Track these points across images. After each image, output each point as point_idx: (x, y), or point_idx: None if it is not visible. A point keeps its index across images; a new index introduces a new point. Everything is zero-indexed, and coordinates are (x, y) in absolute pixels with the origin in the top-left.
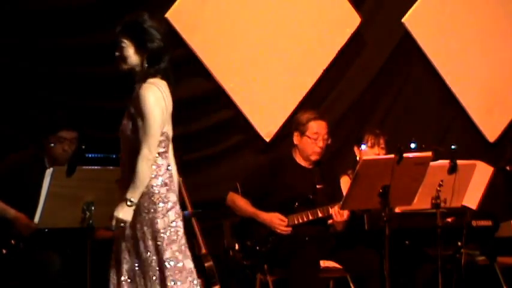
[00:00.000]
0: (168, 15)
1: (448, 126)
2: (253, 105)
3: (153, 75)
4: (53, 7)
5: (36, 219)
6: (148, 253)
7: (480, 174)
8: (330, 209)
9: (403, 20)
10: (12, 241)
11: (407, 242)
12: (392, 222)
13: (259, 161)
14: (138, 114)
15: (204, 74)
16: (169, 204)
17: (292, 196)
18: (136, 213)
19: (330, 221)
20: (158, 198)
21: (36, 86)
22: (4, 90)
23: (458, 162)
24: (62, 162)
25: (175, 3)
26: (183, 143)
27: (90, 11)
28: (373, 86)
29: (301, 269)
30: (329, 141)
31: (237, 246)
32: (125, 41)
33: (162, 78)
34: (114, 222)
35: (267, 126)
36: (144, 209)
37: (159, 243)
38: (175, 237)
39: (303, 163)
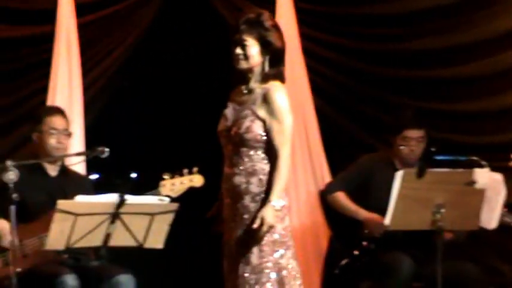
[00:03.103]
0: None
1: None
2: None
3: (274, 78)
4: (402, 10)
5: (387, 220)
6: None
7: None
8: None
9: None
10: (364, 243)
11: None
12: None
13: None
14: (275, 117)
15: None
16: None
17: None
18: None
19: None
20: None
21: (382, 88)
22: (355, 94)
23: None
24: (410, 162)
25: None
26: None
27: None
28: None
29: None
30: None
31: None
32: (249, 39)
33: (281, 81)
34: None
35: None
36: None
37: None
38: None
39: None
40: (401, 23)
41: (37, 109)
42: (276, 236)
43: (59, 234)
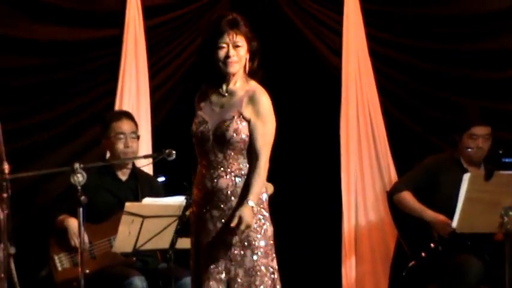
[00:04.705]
0: None
1: None
2: None
3: (254, 76)
4: (469, 11)
5: (454, 223)
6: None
7: None
8: None
9: None
10: (432, 244)
11: None
12: None
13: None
14: (260, 118)
15: None
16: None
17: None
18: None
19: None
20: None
21: (447, 88)
22: (421, 94)
23: None
24: (476, 161)
25: None
26: None
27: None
28: None
29: None
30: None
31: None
32: (240, 40)
33: (259, 78)
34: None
35: None
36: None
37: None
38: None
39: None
40: (467, 24)
41: (104, 112)
42: (269, 240)
43: (126, 236)
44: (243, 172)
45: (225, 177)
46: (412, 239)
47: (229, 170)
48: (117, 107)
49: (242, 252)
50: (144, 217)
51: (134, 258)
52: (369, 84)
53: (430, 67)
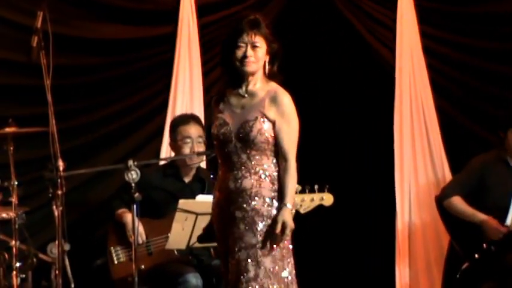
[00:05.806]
0: None
1: None
2: None
3: (274, 78)
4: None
5: (508, 221)
6: None
7: None
8: None
9: None
10: (484, 245)
11: None
12: None
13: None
14: (284, 118)
15: None
16: None
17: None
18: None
19: None
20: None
21: (502, 86)
22: (475, 92)
23: None
24: None
25: None
26: None
27: None
28: None
29: None
30: None
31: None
32: (260, 40)
33: (280, 80)
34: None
35: None
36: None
37: None
38: None
39: None
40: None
41: (159, 109)
42: (285, 242)
43: (180, 233)
44: (267, 173)
45: (249, 177)
46: (464, 241)
47: (253, 170)
48: (171, 105)
49: (262, 253)
50: (197, 214)
51: (190, 256)
52: (422, 80)
53: (484, 64)
